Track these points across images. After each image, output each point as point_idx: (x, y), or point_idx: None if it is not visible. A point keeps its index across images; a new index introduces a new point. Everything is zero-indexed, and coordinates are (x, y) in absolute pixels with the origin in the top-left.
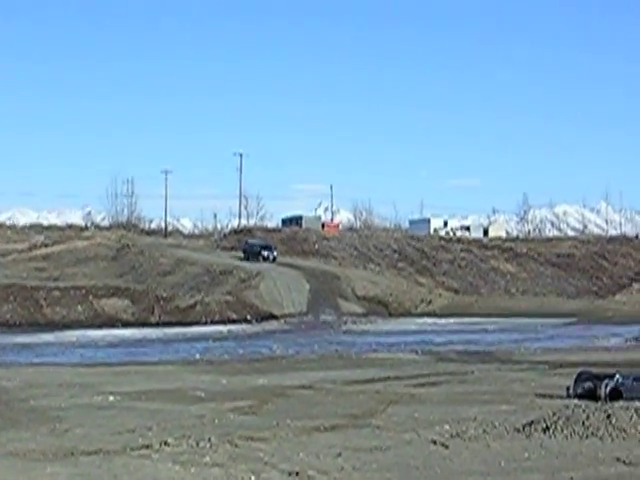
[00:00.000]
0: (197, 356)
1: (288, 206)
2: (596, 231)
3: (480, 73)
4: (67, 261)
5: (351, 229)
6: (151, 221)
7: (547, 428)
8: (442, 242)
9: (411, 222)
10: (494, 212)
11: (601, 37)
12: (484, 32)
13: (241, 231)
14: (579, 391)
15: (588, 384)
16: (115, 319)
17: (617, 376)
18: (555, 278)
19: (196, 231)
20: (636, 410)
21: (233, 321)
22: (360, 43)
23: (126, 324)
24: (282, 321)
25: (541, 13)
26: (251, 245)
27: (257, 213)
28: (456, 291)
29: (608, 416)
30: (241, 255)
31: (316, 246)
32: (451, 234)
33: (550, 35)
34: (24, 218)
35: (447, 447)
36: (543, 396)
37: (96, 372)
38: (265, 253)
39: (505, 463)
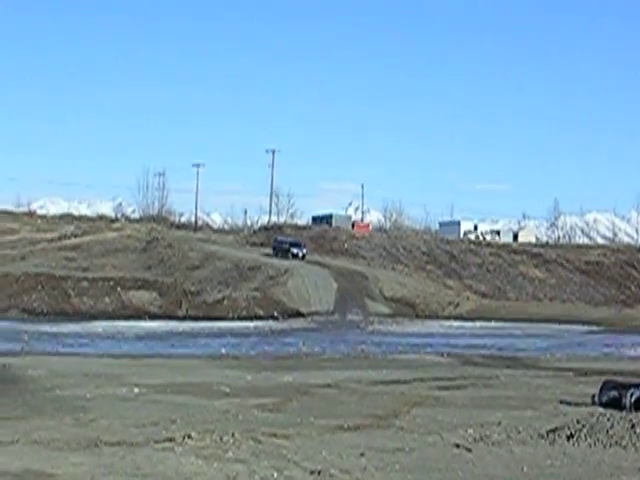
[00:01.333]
0: (223, 351)
1: (318, 204)
2: (626, 240)
3: (514, 79)
4: (96, 252)
5: (381, 229)
6: (181, 215)
7: (571, 435)
8: (471, 246)
9: (441, 224)
10: (524, 217)
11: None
12: (514, 35)
13: (271, 228)
14: (604, 399)
15: (613, 393)
16: (142, 311)
17: None
18: (583, 285)
19: (226, 226)
20: None
21: (260, 317)
22: (395, 45)
23: (153, 317)
24: (309, 319)
25: (572, 17)
26: (280, 242)
27: (287, 210)
28: (484, 295)
29: (632, 426)
30: (270, 252)
31: (345, 245)
32: (481, 238)
33: (583, 43)
34: (55, 207)
35: (470, 451)
36: (568, 403)
37: (122, 363)
38: (294, 250)
39: (528, 469)
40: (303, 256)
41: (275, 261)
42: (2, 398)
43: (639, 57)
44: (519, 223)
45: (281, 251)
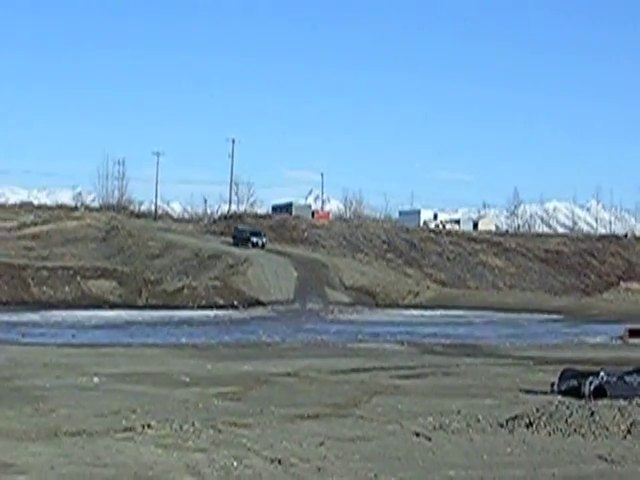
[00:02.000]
0: (183, 340)
1: (278, 193)
2: (586, 229)
3: (476, 71)
4: (56, 241)
5: (341, 218)
6: (141, 203)
7: (530, 424)
8: (431, 234)
9: (401, 213)
10: (484, 206)
11: (597, 44)
12: (482, 34)
13: (231, 217)
14: (563, 388)
15: (572, 381)
16: (102, 300)
17: (602, 374)
18: (543, 274)
19: (186, 215)
20: (619, 408)
21: (220, 306)
22: (357, 38)
23: (113, 306)
24: (269, 308)
25: (537, 19)
26: (240, 231)
27: (247, 199)
28: (444, 284)
29: (591, 414)
30: (230, 241)
31: (305, 234)
32: (441, 227)
33: (546, 40)
34: (14, 196)
35: (430, 439)
36: (527, 392)
37: (81, 353)
38: (254, 239)
39: (487, 457)
40: (263, 245)
41: (235, 250)
42: None
43: (600, 53)
44: (479, 212)
45: (241, 240)
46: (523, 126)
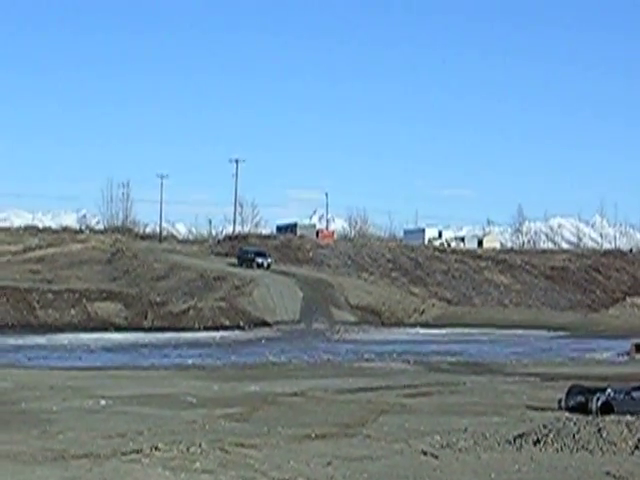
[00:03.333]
0: (189, 362)
1: (283, 213)
2: (591, 244)
3: (478, 87)
4: (61, 264)
5: (346, 238)
6: (146, 225)
7: (538, 441)
8: (436, 252)
9: (406, 232)
10: (489, 223)
11: (599, 58)
12: (482, 46)
13: (236, 237)
14: (570, 404)
15: (579, 397)
16: (108, 323)
17: (609, 390)
18: (549, 290)
19: (190, 236)
20: (627, 424)
21: (226, 327)
22: (357, 54)
23: (119, 328)
24: (275, 328)
25: (539, 32)
26: (245, 252)
27: (252, 220)
28: (449, 301)
29: (599, 430)
30: (235, 261)
31: (310, 254)
32: (445, 245)
33: (549, 54)
34: (19, 220)
35: (437, 458)
36: (534, 409)
37: (88, 376)
38: (259, 260)
39: (495, 475)
40: (268, 265)
41: (240, 271)
42: None
43: (602, 66)
44: (484, 229)
45: (246, 261)
46: (526, 143)
